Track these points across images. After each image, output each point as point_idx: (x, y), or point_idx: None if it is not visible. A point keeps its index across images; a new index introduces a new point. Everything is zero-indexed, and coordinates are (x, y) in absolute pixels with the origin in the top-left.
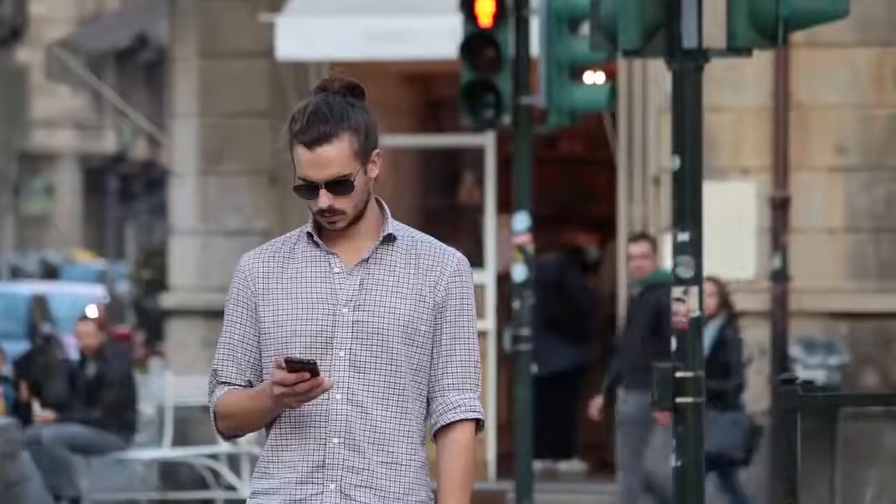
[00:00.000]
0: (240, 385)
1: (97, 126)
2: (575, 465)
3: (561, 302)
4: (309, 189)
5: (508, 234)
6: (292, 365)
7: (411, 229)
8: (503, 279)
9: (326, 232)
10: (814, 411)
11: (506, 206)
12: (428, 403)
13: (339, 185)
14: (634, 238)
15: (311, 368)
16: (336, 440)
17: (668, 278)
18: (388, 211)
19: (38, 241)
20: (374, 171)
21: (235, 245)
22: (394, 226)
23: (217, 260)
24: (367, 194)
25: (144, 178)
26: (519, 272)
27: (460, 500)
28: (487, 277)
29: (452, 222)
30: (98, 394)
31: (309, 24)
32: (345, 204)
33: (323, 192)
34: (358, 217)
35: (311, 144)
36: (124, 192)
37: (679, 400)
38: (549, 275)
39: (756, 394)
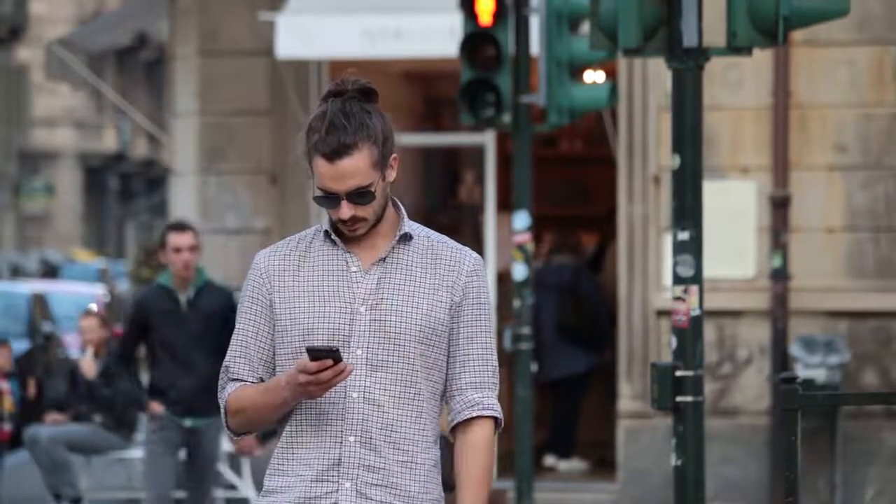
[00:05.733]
0: (251, 382)
1: (97, 125)
2: (575, 464)
3: (576, 307)
4: (330, 199)
5: (508, 232)
6: (315, 353)
7: (427, 229)
8: (503, 278)
9: None
10: (814, 410)
11: (506, 205)
12: (446, 402)
13: (360, 196)
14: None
15: (333, 356)
16: (352, 438)
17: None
18: (403, 210)
19: (38, 240)
20: (391, 175)
21: (235, 244)
22: (410, 225)
23: (217, 258)
24: (386, 199)
25: (144, 176)
26: (519, 271)
27: (477, 497)
28: (487, 276)
29: (452, 221)
30: (99, 391)
31: (309, 23)
32: (366, 212)
33: (344, 203)
34: (377, 220)
35: (331, 157)
36: (124, 191)
37: (679, 399)
38: (565, 279)
39: (756, 393)
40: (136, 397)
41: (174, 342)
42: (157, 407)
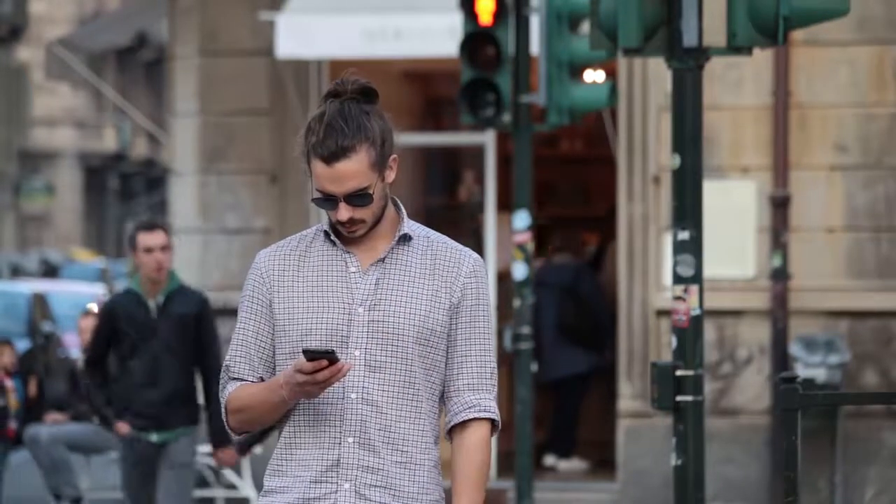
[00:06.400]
0: (252, 381)
1: (97, 124)
2: (575, 464)
3: (576, 307)
4: (328, 201)
5: (508, 232)
6: (311, 355)
7: (427, 229)
8: (503, 278)
9: None
10: (814, 410)
11: (506, 205)
12: (444, 403)
13: (358, 198)
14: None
15: (329, 357)
16: (351, 439)
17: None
18: (403, 211)
19: (38, 240)
20: (391, 176)
21: (235, 244)
22: (409, 226)
23: (217, 258)
24: (385, 199)
25: (144, 176)
26: (519, 270)
27: (473, 498)
28: (488, 277)
29: (452, 221)
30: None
31: (309, 23)
32: (364, 214)
33: (342, 205)
34: (376, 221)
35: (328, 159)
36: (124, 191)
37: (679, 398)
38: (565, 279)
39: (756, 393)
40: (103, 414)
41: (143, 351)
42: (123, 427)
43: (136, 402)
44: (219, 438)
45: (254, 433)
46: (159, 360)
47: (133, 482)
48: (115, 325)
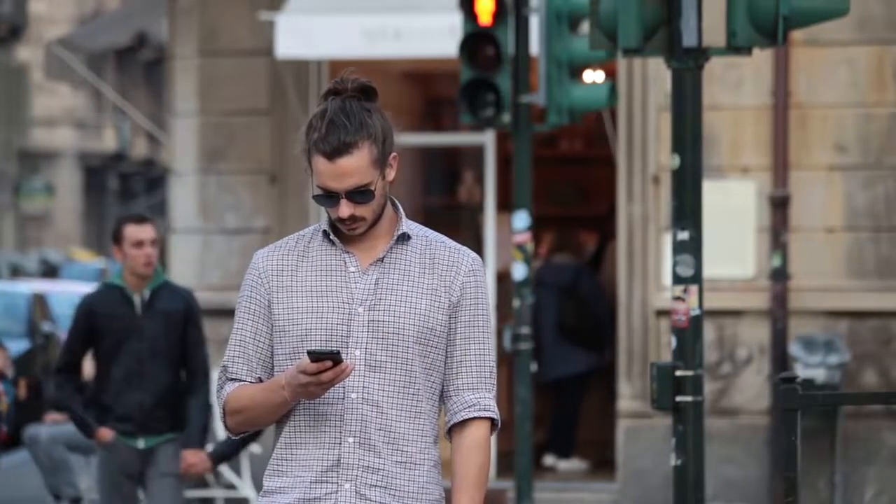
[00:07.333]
0: (250, 382)
1: (97, 124)
2: (575, 464)
3: (576, 307)
4: (329, 198)
5: (508, 232)
6: (315, 356)
7: (425, 229)
8: (503, 278)
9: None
10: (814, 410)
11: (505, 205)
12: (443, 402)
13: (360, 195)
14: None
15: (333, 358)
16: (351, 439)
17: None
18: (402, 210)
19: (38, 240)
20: (391, 174)
21: (235, 244)
22: (408, 225)
23: (217, 258)
24: (385, 198)
25: (144, 176)
26: (518, 271)
27: (474, 497)
28: (487, 276)
29: (452, 221)
30: None
31: (309, 23)
32: (365, 211)
33: (344, 201)
34: (375, 220)
35: (330, 155)
36: (124, 191)
37: (679, 399)
38: (565, 279)
39: (756, 393)
40: (82, 421)
41: (127, 350)
42: (106, 434)
43: (118, 405)
44: (190, 440)
45: (230, 446)
46: (144, 360)
47: (112, 489)
48: (93, 324)
